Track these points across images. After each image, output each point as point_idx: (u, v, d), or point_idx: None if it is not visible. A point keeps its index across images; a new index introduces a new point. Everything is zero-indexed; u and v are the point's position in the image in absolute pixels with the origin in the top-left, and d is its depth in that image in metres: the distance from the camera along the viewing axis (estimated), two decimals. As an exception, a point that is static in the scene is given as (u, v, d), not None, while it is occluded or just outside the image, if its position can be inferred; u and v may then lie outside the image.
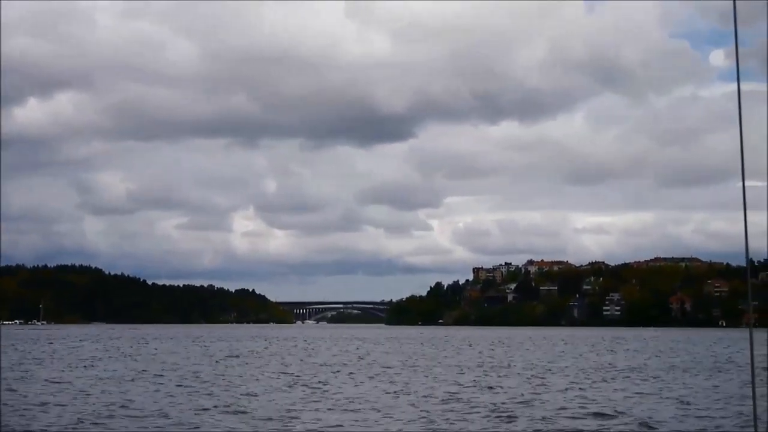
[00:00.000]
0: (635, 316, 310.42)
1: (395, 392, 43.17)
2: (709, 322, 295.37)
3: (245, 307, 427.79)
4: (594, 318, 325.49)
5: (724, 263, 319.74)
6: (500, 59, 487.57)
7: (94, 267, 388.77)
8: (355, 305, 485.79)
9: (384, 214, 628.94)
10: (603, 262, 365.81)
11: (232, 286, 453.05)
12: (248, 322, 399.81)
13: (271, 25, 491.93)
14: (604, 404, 37.49)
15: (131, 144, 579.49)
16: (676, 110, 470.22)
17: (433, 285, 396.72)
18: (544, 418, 32.20)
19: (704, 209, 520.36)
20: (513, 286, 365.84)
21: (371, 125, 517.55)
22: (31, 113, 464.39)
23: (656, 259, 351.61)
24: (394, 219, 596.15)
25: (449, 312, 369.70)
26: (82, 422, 30.86)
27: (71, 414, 33.18)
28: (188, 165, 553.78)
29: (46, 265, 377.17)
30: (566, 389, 45.45)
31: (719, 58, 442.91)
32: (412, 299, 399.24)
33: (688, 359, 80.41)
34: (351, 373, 58.64)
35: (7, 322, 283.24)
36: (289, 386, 46.89)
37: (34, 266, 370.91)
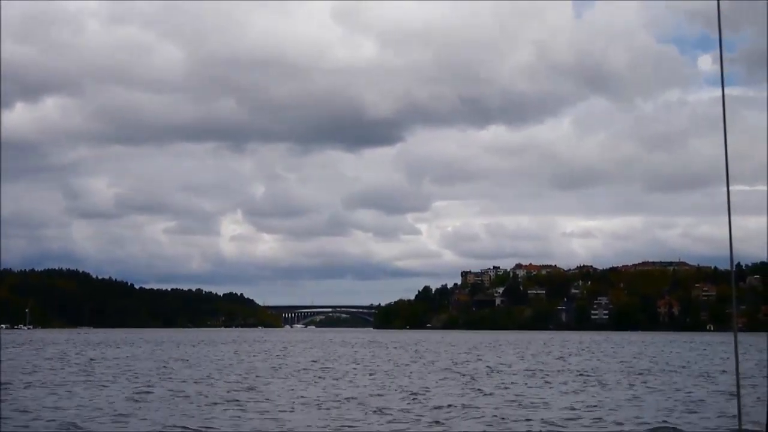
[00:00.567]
0: (623, 320, 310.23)
1: (300, 397, 41.81)
2: (697, 326, 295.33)
3: (233, 311, 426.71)
4: (582, 322, 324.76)
5: (712, 267, 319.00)
6: (487, 64, 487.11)
7: (81, 271, 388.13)
8: (343, 309, 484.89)
9: (372, 219, 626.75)
10: (591, 266, 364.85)
11: (220, 290, 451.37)
12: (236, 327, 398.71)
13: (259, 30, 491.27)
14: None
15: (119, 149, 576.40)
16: (663, 114, 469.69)
17: (421, 289, 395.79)
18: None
19: (692, 213, 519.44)
20: (501, 289, 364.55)
21: (359, 130, 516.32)
22: (18, 118, 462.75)
23: (644, 263, 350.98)
24: (383, 223, 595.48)
25: (437, 316, 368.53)
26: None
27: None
28: (176, 169, 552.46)
29: (33, 270, 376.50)
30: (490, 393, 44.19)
31: (707, 62, 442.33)
32: (400, 303, 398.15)
33: (645, 362, 79.11)
34: (285, 377, 57.33)
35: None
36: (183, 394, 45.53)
37: (21, 270, 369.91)
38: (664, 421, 31.52)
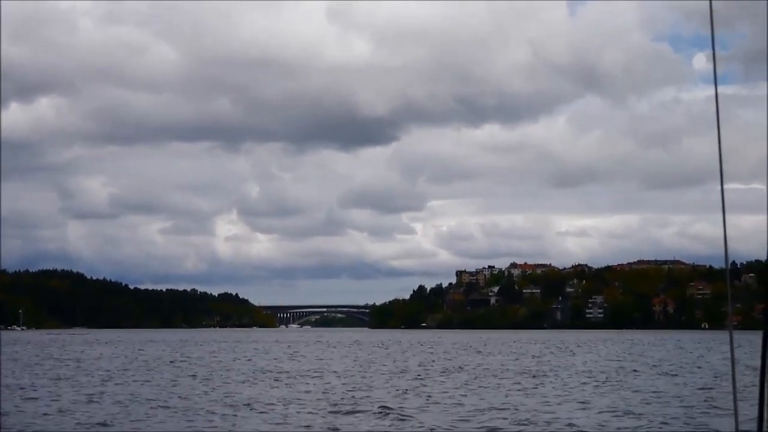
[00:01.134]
0: (618, 319, 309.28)
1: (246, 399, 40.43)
2: (692, 325, 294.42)
3: (228, 311, 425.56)
4: (577, 321, 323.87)
5: (707, 265, 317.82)
6: (482, 62, 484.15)
7: (76, 272, 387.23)
8: (338, 309, 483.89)
9: (367, 218, 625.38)
10: (586, 265, 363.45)
11: (215, 290, 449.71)
12: (231, 327, 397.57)
13: (253, 29, 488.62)
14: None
15: (113, 148, 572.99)
16: (658, 113, 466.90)
17: (416, 288, 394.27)
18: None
19: (687, 211, 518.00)
20: (496, 289, 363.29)
21: (354, 129, 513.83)
22: (12, 117, 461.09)
23: (639, 262, 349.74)
24: (377, 222, 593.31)
25: (432, 315, 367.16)
26: None
27: None
28: (171, 169, 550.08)
29: (28, 270, 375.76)
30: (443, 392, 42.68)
31: (701, 61, 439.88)
32: (395, 303, 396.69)
33: (613, 363, 77.66)
34: (249, 379, 56.06)
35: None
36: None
37: (15, 271, 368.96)
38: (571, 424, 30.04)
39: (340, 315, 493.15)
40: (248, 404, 37.47)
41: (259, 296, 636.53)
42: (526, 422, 30.58)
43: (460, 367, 68.45)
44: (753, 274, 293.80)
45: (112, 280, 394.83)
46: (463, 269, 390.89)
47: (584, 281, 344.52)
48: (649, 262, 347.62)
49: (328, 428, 29.87)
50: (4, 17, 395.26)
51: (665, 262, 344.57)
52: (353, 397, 41.06)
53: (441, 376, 57.54)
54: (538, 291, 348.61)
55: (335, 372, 62.06)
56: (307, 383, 50.94)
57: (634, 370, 64.07)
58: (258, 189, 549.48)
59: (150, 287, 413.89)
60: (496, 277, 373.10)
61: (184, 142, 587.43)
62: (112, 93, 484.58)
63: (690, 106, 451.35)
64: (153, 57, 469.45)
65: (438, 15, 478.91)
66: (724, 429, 28.38)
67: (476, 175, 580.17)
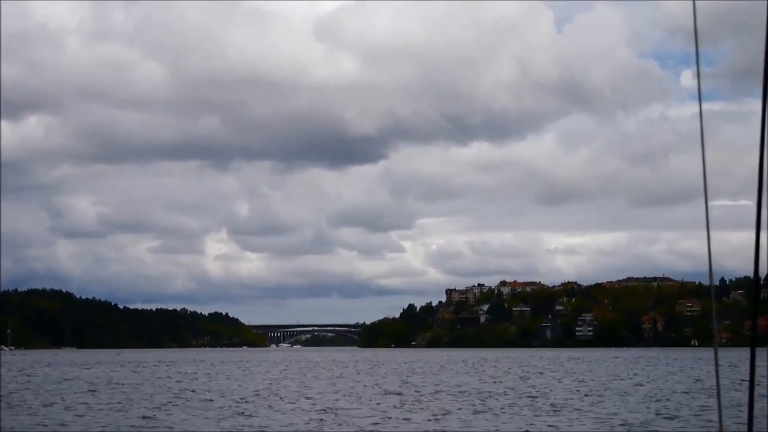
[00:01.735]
0: (608, 337, 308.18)
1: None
2: (682, 342, 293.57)
3: (218, 330, 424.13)
4: (566, 338, 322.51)
5: (696, 282, 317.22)
6: (469, 80, 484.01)
7: (65, 291, 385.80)
8: (329, 328, 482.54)
9: (356, 236, 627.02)
10: (575, 283, 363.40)
11: (205, 310, 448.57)
12: (221, 346, 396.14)
13: (241, 48, 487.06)
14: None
15: (102, 167, 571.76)
16: (646, 130, 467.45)
17: (406, 307, 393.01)
18: None
19: (676, 229, 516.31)
20: (486, 307, 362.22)
21: (342, 147, 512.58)
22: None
23: (628, 279, 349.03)
24: (367, 241, 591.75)
25: (422, 334, 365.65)
26: None
27: None
28: (159, 188, 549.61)
29: (16, 290, 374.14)
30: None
31: (688, 78, 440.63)
32: (385, 321, 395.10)
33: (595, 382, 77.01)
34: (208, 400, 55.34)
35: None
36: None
37: (4, 290, 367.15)
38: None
39: (330, 334, 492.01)
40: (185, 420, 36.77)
41: (249, 315, 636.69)
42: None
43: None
44: (742, 291, 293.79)
45: (102, 299, 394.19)
46: (453, 287, 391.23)
47: (574, 299, 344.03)
48: (638, 279, 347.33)
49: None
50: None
51: (654, 279, 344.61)
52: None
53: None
54: (528, 309, 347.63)
55: (297, 391, 61.23)
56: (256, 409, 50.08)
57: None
58: (247, 207, 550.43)
59: (140, 306, 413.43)
60: (486, 295, 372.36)
61: (173, 161, 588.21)
62: (101, 112, 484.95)
63: (677, 123, 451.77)
64: (141, 76, 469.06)
65: (425, 33, 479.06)
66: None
67: (465, 193, 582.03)
